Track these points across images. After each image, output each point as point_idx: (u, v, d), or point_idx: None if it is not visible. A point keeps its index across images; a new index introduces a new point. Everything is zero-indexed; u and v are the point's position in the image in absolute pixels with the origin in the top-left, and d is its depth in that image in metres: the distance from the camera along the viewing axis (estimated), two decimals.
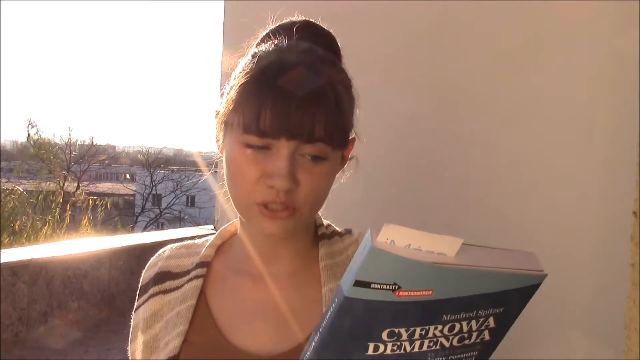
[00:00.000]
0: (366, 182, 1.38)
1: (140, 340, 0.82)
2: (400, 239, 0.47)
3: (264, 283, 0.80)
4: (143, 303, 0.84)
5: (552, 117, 1.27)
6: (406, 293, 0.48)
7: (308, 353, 0.53)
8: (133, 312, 0.86)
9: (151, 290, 0.84)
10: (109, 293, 5.14)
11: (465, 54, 1.36)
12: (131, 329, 0.85)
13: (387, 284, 0.48)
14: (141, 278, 0.87)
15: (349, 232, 0.87)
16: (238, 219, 0.83)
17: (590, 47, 1.23)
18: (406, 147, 1.43)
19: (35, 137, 15.74)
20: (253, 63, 0.73)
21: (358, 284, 0.47)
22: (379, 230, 0.47)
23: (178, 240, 0.93)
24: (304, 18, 0.83)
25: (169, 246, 0.89)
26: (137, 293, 0.86)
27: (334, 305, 0.50)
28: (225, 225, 0.89)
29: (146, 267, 0.88)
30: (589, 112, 1.23)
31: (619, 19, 1.20)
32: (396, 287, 0.48)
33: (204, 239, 0.89)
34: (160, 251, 0.89)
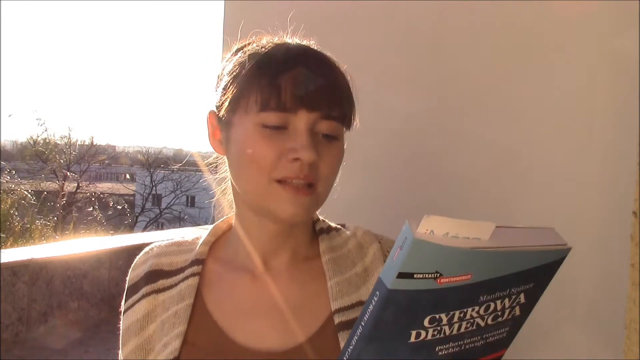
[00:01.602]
0: (365, 179, 1.38)
1: (133, 343, 0.79)
2: (438, 228, 0.49)
3: (264, 278, 0.79)
4: (134, 304, 0.81)
5: (552, 117, 1.27)
6: (447, 279, 0.50)
7: (351, 347, 0.54)
8: (122, 314, 0.82)
9: (143, 290, 0.81)
10: (109, 293, 5.15)
11: (465, 53, 1.36)
12: (121, 332, 0.81)
13: (429, 273, 0.49)
14: (128, 278, 0.84)
15: (342, 226, 0.87)
16: (234, 214, 0.83)
17: (590, 47, 1.23)
18: (405, 145, 1.42)
19: (43, 136, 15.70)
20: (253, 52, 0.74)
21: (401, 275, 0.48)
22: (416, 221, 0.49)
23: None
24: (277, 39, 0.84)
25: (155, 244, 0.86)
26: (125, 294, 0.83)
27: (375, 299, 0.51)
28: (217, 222, 0.88)
29: (132, 266, 0.85)
30: (588, 112, 1.23)
31: (619, 19, 1.20)
32: (438, 274, 0.50)
33: (193, 236, 0.87)
34: (146, 249, 0.86)
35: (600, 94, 1.21)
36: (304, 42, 0.78)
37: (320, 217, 0.86)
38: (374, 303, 0.51)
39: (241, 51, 0.77)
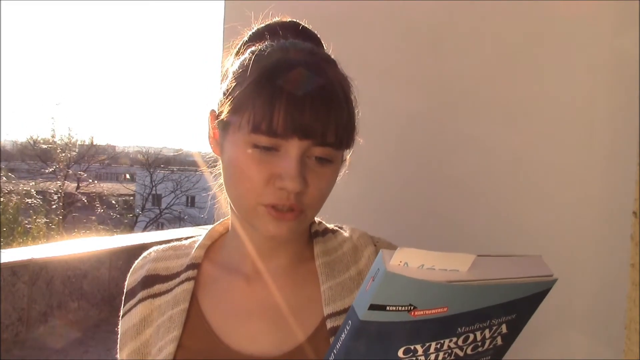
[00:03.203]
0: (366, 182, 1.38)
1: (130, 347, 0.79)
2: (413, 260, 0.47)
3: (259, 282, 0.78)
4: (131, 308, 0.81)
5: (552, 117, 1.27)
6: (422, 312, 0.49)
7: None
8: (120, 319, 0.83)
9: (139, 295, 0.81)
10: (109, 293, 5.16)
11: (465, 53, 1.36)
12: (119, 336, 0.82)
13: (402, 306, 0.48)
14: (126, 283, 0.84)
15: (340, 228, 0.87)
16: (230, 217, 0.82)
17: (590, 47, 1.23)
18: (406, 147, 1.42)
19: (43, 136, 15.70)
20: (256, 62, 0.71)
21: (373, 307, 0.47)
22: (390, 252, 0.47)
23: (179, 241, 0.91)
24: (290, 19, 0.82)
25: (153, 248, 0.86)
26: (123, 298, 0.83)
27: (347, 328, 0.50)
28: (214, 225, 0.87)
29: (131, 271, 0.85)
30: (589, 112, 1.23)
31: (619, 19, 1.20)
32: (411, 307, 0.48)
33: (190, 239, 0.87)
34: (144, 254, 0.86)
35: (600, 94, 1.21)
36: (314, 50, 0.74)
37: (317, 219, 0.84)
38: (346, 332, 0.50)
39: (250, 49, 0.75)
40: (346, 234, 0.85)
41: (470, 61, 1.35)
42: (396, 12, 1.42)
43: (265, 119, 0.67)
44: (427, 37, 1.40)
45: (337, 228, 0.86)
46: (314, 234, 0.83)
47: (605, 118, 1.21)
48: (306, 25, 0.83)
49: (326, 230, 0.84)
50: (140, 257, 0.86)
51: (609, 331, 1.14)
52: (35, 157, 18.66)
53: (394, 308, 0.47)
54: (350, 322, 0.49)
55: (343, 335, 0.50)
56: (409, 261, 0.47)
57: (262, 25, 0.81)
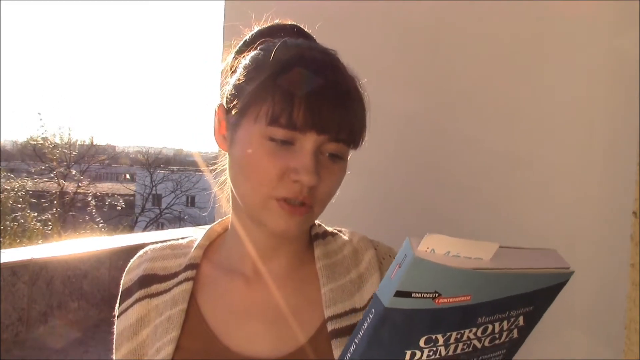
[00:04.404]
0: (365, 182, 1.38)
1: (126, 347, 0.79)
2: (440, 247, 0.47)
3: (259, 283, 0.78)
4: (127, 308, 0.81)
5: (552, 117, 1.27)
6: (446, 300, 0.49)
7: None
8: (115, 319, 0.82)
9: (136, 295, 0.80)
10: (109, 293, 5.16)
11: (465, 53, 1.36)
12: (114, 336, 0.81)
13: (427, 292, 0.48)
14: (122, 282, 0.83)
15: (339, 231, 0.86)
16: (230, 217, 0.82)
17: (590, 47, 1.23)
18: (405, 147, 1.42)
19: (43, 136, 15.70)
20: (274, 56, 0.71)
21: (399, 294, 0.47)
22: (417, 239, 0.47)
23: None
24: (290, 22, 0.83)
25: (149, 247, 0.86)
26: (118, 298, 0.83)
27: (371, 316, 0.50)
28: (212, 225, 0.86)
29: (127, 269, 0.84)
30: (589, 112, 1.23)
31: (619, 19, 1.20)
32: (436, 294, 0.48)
33: (187, 239, 0.86)
34: (140, 252, 0.85)
35: (600, 94, 1.21)
36: (328, 50, 0.75)
37: (316, 222, 0.84)
38: (369, 320, 0.50)
39: (260, 45, 0.75)
40: (346, 237, 0.85)
41: (469, 61, 1.35)
42: (395, 12, 1.42)
43: (285, 111, 0.67)
44: (426, 37, 1.40)
45: (336, 231, 0.86)
46: (314, 237, 0.82)
47: (605, 118, 1.21)
48: (305, 29, 0.83)
49: (326, 233, 0.84)
50: (136, 256, 0.85)
51: (609, 331, 1.14)
52: (35, 157, 18.65)
53: (420, 295, 0.48)
54: (373, 310, 0.49)
55: (365, 325, 0.50)
56: (436, 248, 0.47)
57: (265, 26, 0.81)
